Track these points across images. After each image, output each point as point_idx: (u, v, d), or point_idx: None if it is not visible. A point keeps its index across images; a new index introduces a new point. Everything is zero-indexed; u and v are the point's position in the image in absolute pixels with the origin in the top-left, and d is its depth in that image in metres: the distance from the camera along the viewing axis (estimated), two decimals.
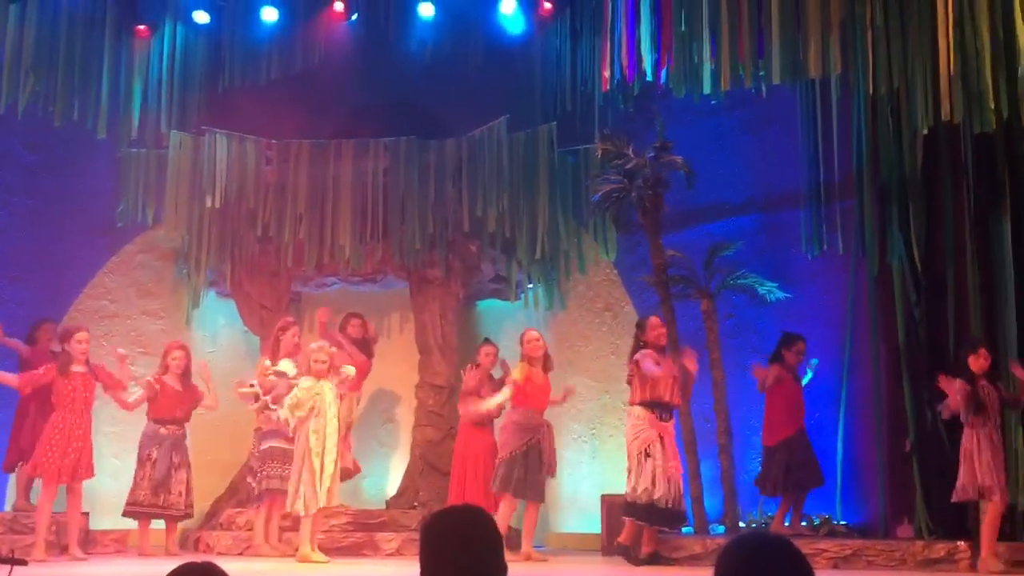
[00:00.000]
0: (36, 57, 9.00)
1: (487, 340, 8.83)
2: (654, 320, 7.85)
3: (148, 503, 8.13)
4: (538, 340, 8.04)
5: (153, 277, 10.26)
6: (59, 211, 9.91)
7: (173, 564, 2.39)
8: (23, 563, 3.02)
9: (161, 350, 8.77)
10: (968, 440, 6.82)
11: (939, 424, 7.61)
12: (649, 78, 8.35)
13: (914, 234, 8.03)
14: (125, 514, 8.24)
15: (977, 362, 6.91)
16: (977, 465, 6.72)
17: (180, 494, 8.22)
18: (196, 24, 10.06)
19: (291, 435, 7.62)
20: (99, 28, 9.51)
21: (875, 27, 7.12)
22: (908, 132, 7.82)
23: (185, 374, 8.48)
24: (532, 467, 7.80)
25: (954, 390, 6.89)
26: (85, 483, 7.92)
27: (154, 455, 8.19)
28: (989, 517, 6.68)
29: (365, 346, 9.20)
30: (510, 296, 10.10)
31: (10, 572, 2.92)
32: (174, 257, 10.19)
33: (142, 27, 9.78)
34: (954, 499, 6.91)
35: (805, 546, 7.21)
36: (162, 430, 8.29)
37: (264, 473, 8.12)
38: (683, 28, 7.77)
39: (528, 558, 7.66)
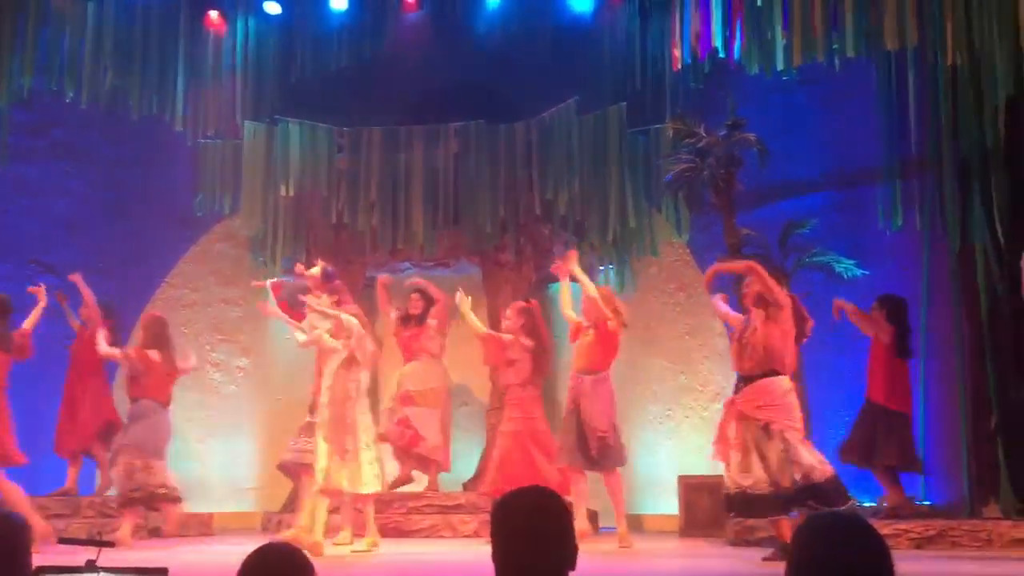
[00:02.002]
0: (115, 52, 9.22)
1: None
2: None
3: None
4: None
5: (232, 265, 10.47)
6: (139, 203, 10.16)
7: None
8: (110, 545, 3.10)
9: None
10: None
11: None
12: (721, 55, 8.25)
13: (996, 209, 7.82)
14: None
15: None
16: None
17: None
18: (267, 15, 10.21)
19: None
20: (174, 22, 9.70)
21: None
22: (989, 104, 7.60)
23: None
24: (579, 434, 7.40)
25: None
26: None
27: None
28: None
29: (419, 320, 9.15)
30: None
31: (98, 554, 3.01)
32: (251, 245, 10.38)
33: (215, 16, 9.94)
34: None
35: (886, 527, 7.12)
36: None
37: None
38: (756, 3, 7.66)
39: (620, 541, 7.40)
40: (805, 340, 6.91)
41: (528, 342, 7.81)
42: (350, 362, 6.96)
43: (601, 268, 10.09)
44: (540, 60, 10.10)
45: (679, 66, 8.86)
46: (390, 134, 9.89)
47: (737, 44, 8.11)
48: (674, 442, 9.81)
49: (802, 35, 7.53)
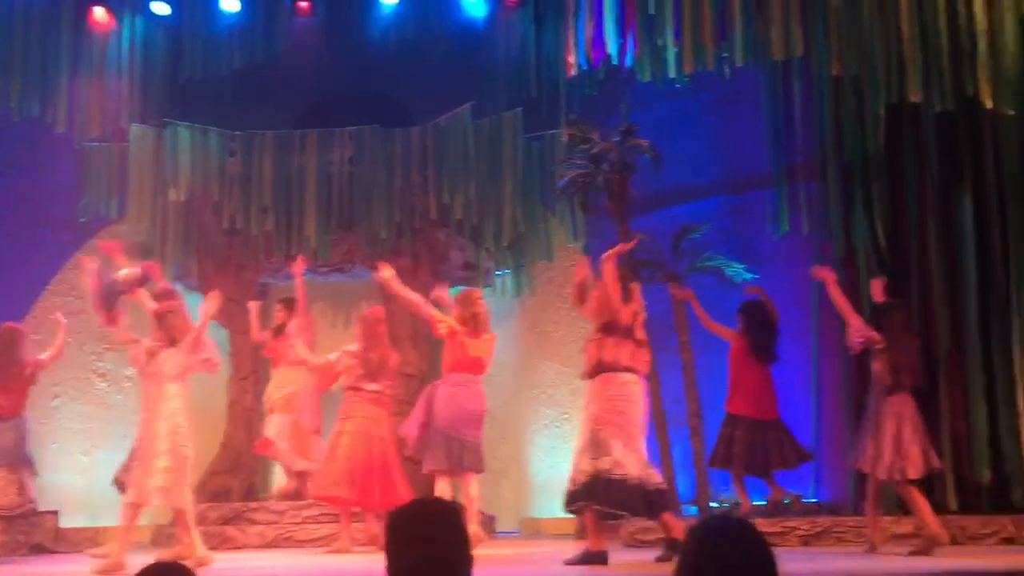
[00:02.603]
0: None
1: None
2: None
3: None
4: None
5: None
6: (21, 208, 9.81)
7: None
8: None
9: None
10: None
11: None
12: (614, 62, 8.35)
13: (878, 214, 8.11)
14: None
15: None
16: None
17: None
18: (156, 16, 9.95)
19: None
20: (56, 22, 9.39)
21: (836, 8, 7.15)
22: (871, 113, 7.88)
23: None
24: (437, 438, 7.37)
25: None
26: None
27: None
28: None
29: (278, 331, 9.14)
30: (479, 283, 10.08)
31: None
32: (140, 251, 10.09)
33: (100, 14, 9.63)
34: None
35: (775, 524, 7.31)
36: None
37: None
38: (648, 11, 7.78)
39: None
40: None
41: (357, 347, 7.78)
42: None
43: (498, 272, 10.12)
44: (435, 65, 10.08)
45: (573, 72, 8.94)
46: (283, 138, 9.75)
47: (630, 51, 8.23)
48: (571, 445, 9.84)
49: (693, 44, 7.67)
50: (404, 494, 7.29)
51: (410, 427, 7.53)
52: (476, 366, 7.50)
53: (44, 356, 7.93)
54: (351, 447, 7.51)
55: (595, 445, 6.09)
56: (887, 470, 6.56)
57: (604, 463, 6.02)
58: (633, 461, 6.08)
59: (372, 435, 7.56)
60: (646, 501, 6.08)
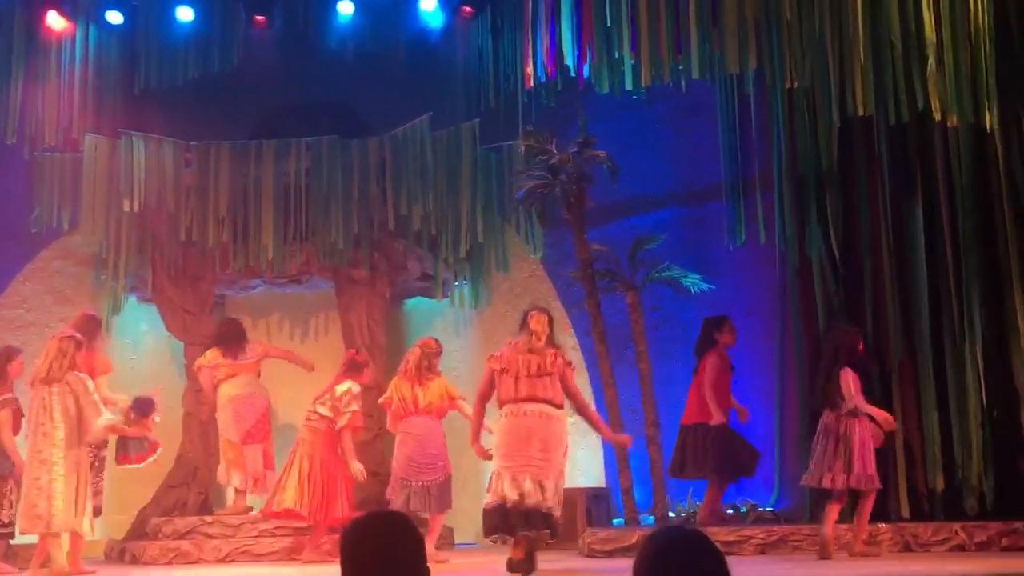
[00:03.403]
0: None
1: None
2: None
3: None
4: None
5: (71, 284, 10.03)
6: None
7: None
8: None
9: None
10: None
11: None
12: (572, 74, 8.39)
13: (832, 225, 8.20)
14: None
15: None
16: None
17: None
18: (109, 24, 9.83)
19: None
20: (7, 29, 9.25)
21: (789, 22, 7.24)
22: (823, 125, 7.98)
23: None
24: None
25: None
26: None
27: None
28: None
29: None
30: (437, 294, 10.07)
31: None
32: (92, 263, 9.97)
33: (54, 22, 9.50)
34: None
35: (732, 533, 7.35)
36: None
37: None
38: (605, 24, 7.82)
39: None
40: None
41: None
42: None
43: (456, 283, 10.10)
44: (393, 76, 10.06)
45: (531, 84, 8.97)
46: (240, 149, 9.67)
47: (588, 63, 8.26)
48: None
49: (650, 56, 7.72)
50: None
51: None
52: (428, 411, 7.84)
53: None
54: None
55: None
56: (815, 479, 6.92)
57: None
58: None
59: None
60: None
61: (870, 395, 7.23)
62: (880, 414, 6.89)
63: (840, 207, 8.22)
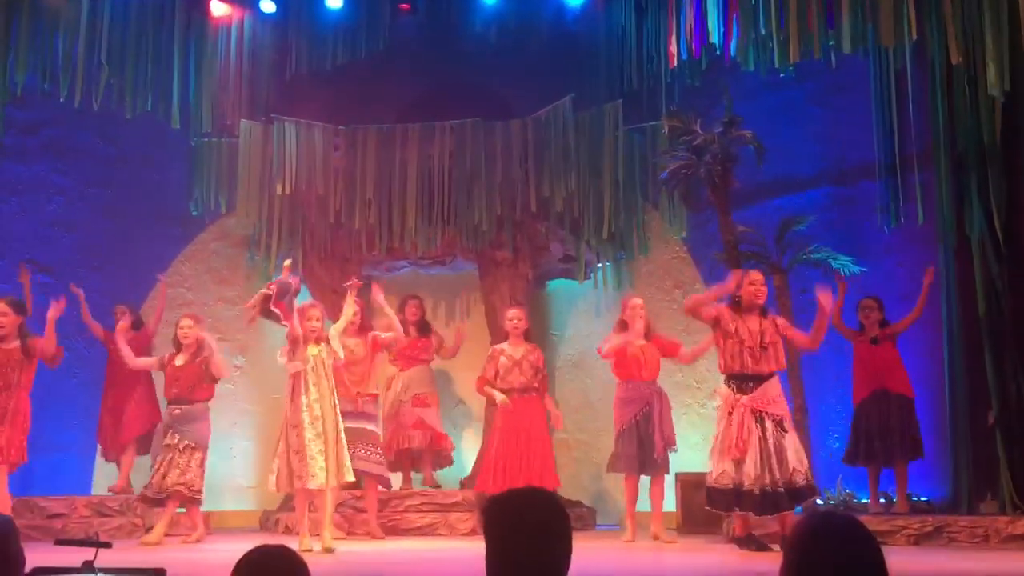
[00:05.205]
0: (109, 50, 9.17)
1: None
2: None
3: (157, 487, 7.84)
4: (638, 308, 7.88)
5: (228, 264, 10.45)
6: (135, 201, 10.12)
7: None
8: (107, 546, 3.08)
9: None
10: None
11: None
12: (717, 52, 8.22)
13: (994, 204, 7.80)
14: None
15: None
16: None
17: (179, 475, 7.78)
18: (263, 13, 10.17)
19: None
20: (169, 19, 9.65)
21: None
22: (985, 100, 7.60)
23: (190, 349, 8.04)
24: (645, 441, 7.72)
25: None
26: None
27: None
28: None
29: (422, 328, 9.31)
30: (579, 276, 10.06)
31: (95, 555, 2.99)
32: (247, 244, 10.35)
33: (217, 7, 9.88)
34: None
35: (884, 523, 7.12)
36: (176, 410, 7.95)
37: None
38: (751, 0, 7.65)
39: (655, 538, 7.62)
40: None
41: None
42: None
43: (599, 265, 10.07)
44: (536, 58, 10.08)
45: (675, 63, 8.83)
46: (386, 132, 9.87)
47: (733, 41, 8.09)
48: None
49: (798, 31, 7.50)
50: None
51: None
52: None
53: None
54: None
55: None
56: None
57: None
58: None
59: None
60: None
61: None
62: None
63: (1003, 185, 7.82)
